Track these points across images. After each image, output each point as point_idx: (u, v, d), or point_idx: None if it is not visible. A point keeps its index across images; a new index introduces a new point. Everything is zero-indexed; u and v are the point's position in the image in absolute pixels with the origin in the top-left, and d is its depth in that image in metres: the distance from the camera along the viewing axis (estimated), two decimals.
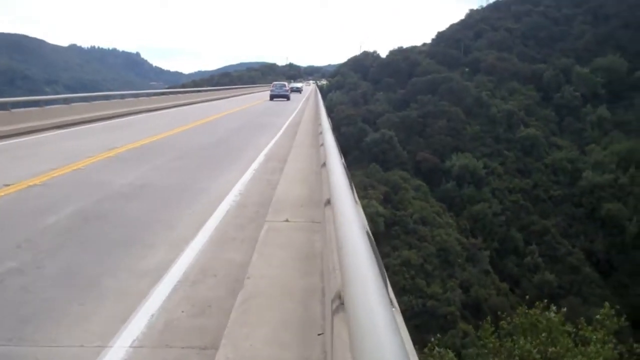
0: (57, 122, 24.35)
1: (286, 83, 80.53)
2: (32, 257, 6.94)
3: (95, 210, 9.52)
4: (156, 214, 9.56)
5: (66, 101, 27.81)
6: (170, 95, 51.02)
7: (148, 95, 44.86)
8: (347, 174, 6.85)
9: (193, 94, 59.07)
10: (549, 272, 60.92)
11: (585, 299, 57.22)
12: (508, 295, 57.34)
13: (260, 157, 17.06)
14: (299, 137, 21.68)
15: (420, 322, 46.55)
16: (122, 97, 37.60)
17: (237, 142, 21.77)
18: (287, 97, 64.05)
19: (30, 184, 11.40)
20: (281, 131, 25.97)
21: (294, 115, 37.67)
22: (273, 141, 21.76)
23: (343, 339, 3.21)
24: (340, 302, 3.72)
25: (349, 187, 5.67)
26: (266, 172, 14.31)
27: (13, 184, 11.17)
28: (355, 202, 5.80)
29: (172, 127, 25.90)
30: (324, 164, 9.50)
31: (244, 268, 6.12)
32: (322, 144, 13.49)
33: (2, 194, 10.41)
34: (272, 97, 62.94)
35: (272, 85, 73.68)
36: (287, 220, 8.05)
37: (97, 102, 31.95)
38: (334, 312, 3.80)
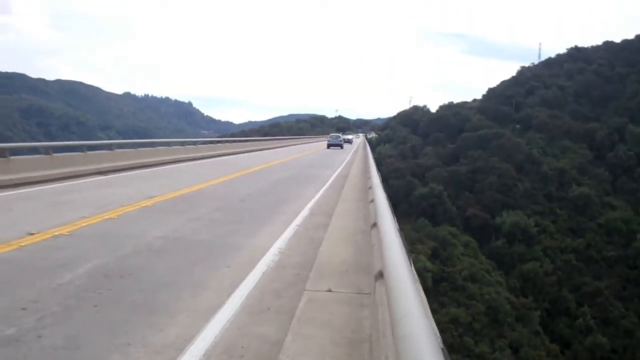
0: (99, 167, 24.16)
1: (340, 134, 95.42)
2: (34, 322, 6.05)
3: (118, 266, 8.63)
4: (185, 273, 8.59)
5: (110, 147, 27.59)
6: (218, 144, 50.90)
7: (194, 143, 44.71)
8: (404, 244, 5.63)
9: (240, 143, 59.09)
10: (601, 334, 59.10)
11: None
12: (559, 357, 55.78)
13: (305, 211, 16.15)
14: (347, 190, 20.97)
15: None
16: (168, 144, 37.30)
17: (281, 194, 20.85)
18: (341, 146, 74.53)
19: (56, 233, 10.78)
20: (328, 183, 25.27)
21: (342, 167, 37.21)
22: (319, 194, 20.90)
23: None
24: None
25: (406, 260, 4.63)
26: (310, 228, 13.44)
27: (38, 233, 10.58)
28: (414, 278, 4.80)
29: (215, 176, 25.48)
30: (375, 224, 8.83)
31: (277, 347, 5.29)
32: (372, 200, 12.51)
33: (23, 243, 9.71)
34: (328, 146, 74.22)
35: (329, 136, 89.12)
36: (329, 290, 7.25)
37: (143, 149, 31.67)
38: None
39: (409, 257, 5.13)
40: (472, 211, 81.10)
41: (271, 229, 12.95)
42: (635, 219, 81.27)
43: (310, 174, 30.46)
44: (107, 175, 23.44)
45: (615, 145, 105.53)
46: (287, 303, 7.10)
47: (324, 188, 23.21)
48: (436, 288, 57.23)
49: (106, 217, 13.12)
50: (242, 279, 8.26)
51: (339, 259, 9.40)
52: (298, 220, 14.51)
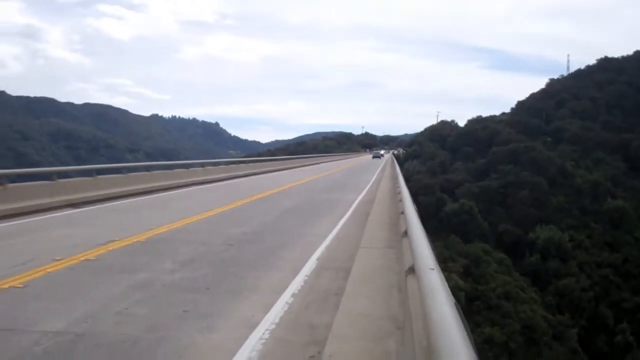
0: (93, 195, 22.92)
1: (380, 151, 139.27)
2: None
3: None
4: None
5: (120, 170, 26.79)
6: (240, 165, 50.04)
7: (215, 164, 43.36)
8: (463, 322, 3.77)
9: (260, 163, 58.18)
10: None
11: None
12: None
13: (310, 264, 11.94)
14: (372, 224, 16.65)
15: None
16: (186, 166, 36.10)
17: (286, 232, 16.66)
18: (380, 157, 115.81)
19: None
20: (349, 213, 21.33)
21: (367, 188, 34.46)
22: (335, 230, 16.84)
23: None
24: None
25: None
26: (311, 302, 9.08)
27: None
28: None
29: (217, 204, 22.66)
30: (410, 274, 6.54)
31: None
32: (406, 233, 9.51)
33: None
34: (373, 157, 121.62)
35: (372, 151, 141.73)
36: None
37: (158, 172, 30.54)
38: None
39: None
40: (505, 227, 79.57)
41: (248, 308, 8.73)
42: None
43: (329, 200, 26.82)
44: (83, 207, 21.21)
45: None
46: None
47: (343, 220, 19.17)
48: (469, 307, 55.72)
49: (82, 259, 11.48)
50: None
51: None
52: (297, 283, 10.37)
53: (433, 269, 5.28)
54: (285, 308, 8.73)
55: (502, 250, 73.85)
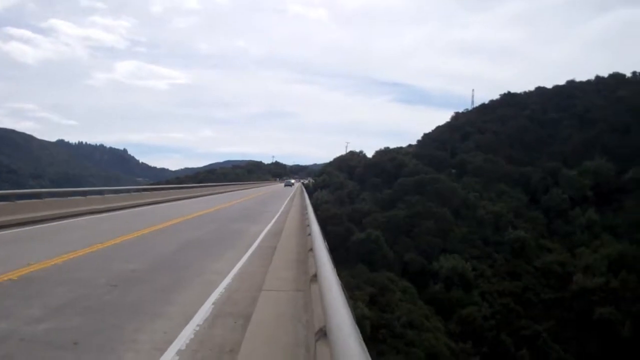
0: None
1: (291, 180, 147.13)
2: None
3: None
4: None
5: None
6: (145, 193, 47.78)
7: (117, 192, 41.00)
8: None
9: (168, 191, 56.59)
10: None
11: None
12: None
13: (204, 309, 10.47)
14: (278, 263, 15.22)
15: None
16: (84, 194, 33.53)
17: (181, 269, 14.86)
18: (292, 185, 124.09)
19: None
20: (253, 246, 20.05)
21: (275, 218, 33.73)
22: (236, 268, 15.36)
23: None
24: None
25: None
26: None
27: None
28: None
29: (111, 236, 20.75)
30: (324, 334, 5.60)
31: None
32: (315, 277, 8.64)
33: None
34: (285, 185, 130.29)
35: (284, 180, 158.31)
36: None
37: (50, 199, 28.19)
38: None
39: None
40: (410, 256, 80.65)
41: None
42: (570, 261, 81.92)
43: (234, 231, 25.39)
44: None
45: (550, 188, 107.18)
46: None
47: (247, 255, 17.83)
48: (375, 335, 56.26)
49: None
50: None
51: None
52: (185, 335, 8.78)
53: (351, 336, 4.46)
54: None
55: (407, 279, 74.83)
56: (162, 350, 7.97)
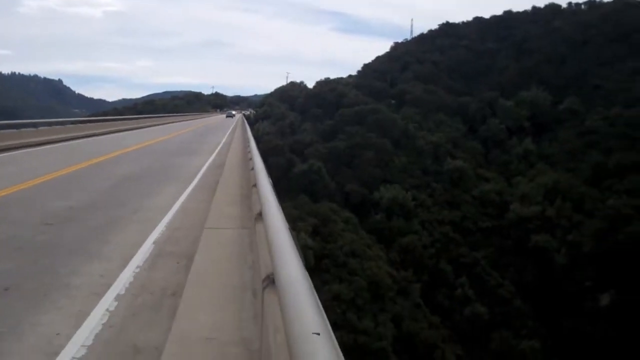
0: None
1: (232, 111, 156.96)
2: None
3: None
4: None
5: None
6: (80, 125, 45.54)
7: (50, 124, 38.31)
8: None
9: (105, 122, 54.93)
10: (479, 304, 60.33)
11: (517, 332, 56.95)
12: (440, 328, 56.49)
13: (144, 249, 10.05)
14: (221, 198, 14.65)
15: (353, 359, 45.12)
16: (16, 127, 32.05)
17: (119, 206, 14.17)
18: (233, 116, 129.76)
19: None
20: (195, 180, 19.56)
21: (217, 150, 33.01)
22: (177, 204, 14.82)
23: None
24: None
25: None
26: (142, 306, 7.29)
27: None
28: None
29: (46, 170, 19.76)
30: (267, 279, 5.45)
31: None
32: (261, 216, 8.13)
33: None
34: (226, 117, 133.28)
35: (226, 111, 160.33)
36: None
37: None
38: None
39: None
40: (351, 187, 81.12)
41: (54, 319, 6.73)
42: (507, 190, 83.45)
43: (173, 165, 24.57)
44: None
45: (487, 118, 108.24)
46: None
47: (188, 190, 17.26)
48: (318, 265, 56.79)
49: None
50: None
51: None
52: (124, 278, 8.32)
53: (300, 284, 4.23)
54: (104, 320, 6.74)
55: (349, 210, 75.43)
56: (100, 295, 7.54)
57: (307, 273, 4.57)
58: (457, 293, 62.21)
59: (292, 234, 6.05)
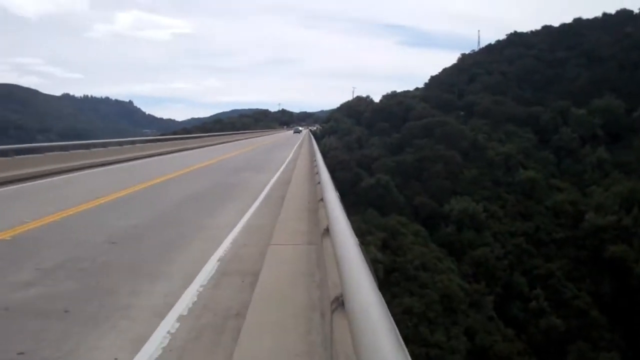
0: None
1: (299, 127, 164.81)
2: None
3: None
4: None
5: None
6: (149, 144, 46.22)
7: (120, 144, 38.83)
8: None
9: (174, 141, 55.42)
10: (555, 316, 58.84)
11: (594, 344, 55.32)
12: (514, 341, 55.25)
13: (208, 267, 9.73)
14: (287, 213, 14.16)
15: None
16: (86, 147, 32.18)
17: (183, 224, 14.03)
18: (300, 132, 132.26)
19: None
20: (261, 196, 19.17)
21: (283, 167, 32.60)
22: (243, 221, 14.43)
23: None
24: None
25: None
26: (204, 328, 6.91)
27: None
28: None
29: (113, 189, 19.75)
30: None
31: None
32: (328, 231, 7.69)
33: None
34: (294, 132, 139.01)
35: (293, 128, 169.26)
36: None
37: (50, 153, 26.76)
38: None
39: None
40: (420, 200, 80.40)
41: (112, 344, 6.39)
42: (581, 200, 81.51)
43: (240, 182, 24.28)
44: None
45: (559, 128, 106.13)
46: None
47: (254, 207, 16.90)
48: (388, 279, 56.21)
49: None
50: None
51: None
52: (187, 298, 7.99)
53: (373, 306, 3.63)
54: (164, 343, 6.41)
55: (419, 223, 74.69)
56: (162, 316, 7.24)
57: (381, 295, 3.95)
58: (531, 305, 60.75)
59: (362, 250, 5.46)
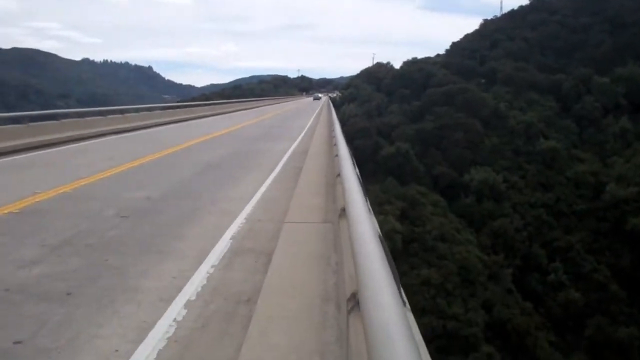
0: None
1: (318, 94, 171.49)
2: None
3: None
4: None
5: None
6: (168, 111, 46.28)
7: (137, 110, 39.09)
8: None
9: (194, 108, 55.32)
10: (574, 290, 58.37)
11: (613, 319, 54.86)
12: (532, 314, 54.88)
13: (221, 246, 9.29)
14: (303, 186, 13.79)
15: (442, 345, 44.18)
16: (103, 114, 32.27)
17: (198, 197, 13.68)
18: (319, 99, 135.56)
19: None
20: (278, 167, 18.75)
21: (301, 136, 32.20)
22: (258, 194, 14.01)
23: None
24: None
25: None
26: (213, 315, 6.49)
27: None
28: None
29: (129, 158, 19.78)
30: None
31: None
32: (344, 211, 7.36)
33: None
34: (314, 99, 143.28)
35: (312, 94, 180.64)
36: None
37: (67, 120, 26.86)
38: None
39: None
40: (440, 169, 79.74)
41: (115, 332, 6.00)
42: (603, 171, 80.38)
43: (257, 151, 24.08)
44: None
45: (582, 96, 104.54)
46: None
47: (270, 178, 16.47)
48: (406, 249, 55.91)
49: None
50: None
51: None
52: (197, 280, 7.56)
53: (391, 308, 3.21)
54: (170, 333, 5.99)
55: (438, 193, 74.14)
56: (168, 301, 6.82)
57: (401, 301, 3.48)
58: (550, 278, 60.35)
59: (381, 239, 4.97)
